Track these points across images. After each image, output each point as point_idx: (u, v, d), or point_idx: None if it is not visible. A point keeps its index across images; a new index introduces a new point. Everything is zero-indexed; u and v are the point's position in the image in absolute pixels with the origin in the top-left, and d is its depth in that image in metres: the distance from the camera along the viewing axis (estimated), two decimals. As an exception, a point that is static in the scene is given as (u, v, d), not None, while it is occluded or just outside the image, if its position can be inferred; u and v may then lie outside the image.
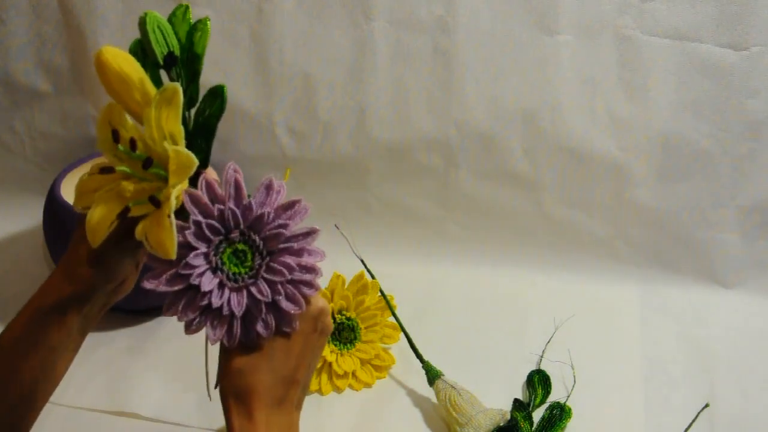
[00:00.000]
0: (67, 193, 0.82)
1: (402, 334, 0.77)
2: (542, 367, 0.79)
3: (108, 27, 0.92)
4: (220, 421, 0.71)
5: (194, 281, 0.48)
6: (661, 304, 0.89)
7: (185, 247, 0.48)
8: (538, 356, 0.81)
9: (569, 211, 0.93)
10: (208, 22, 0.51)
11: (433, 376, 0.73)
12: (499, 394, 0.74)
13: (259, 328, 0.49)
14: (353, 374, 0.77)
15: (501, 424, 0.69)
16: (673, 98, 0.85)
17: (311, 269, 0.49)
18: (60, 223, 0.79)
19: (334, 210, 0.97)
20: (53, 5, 0.93)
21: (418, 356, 0.75)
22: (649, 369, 0.79)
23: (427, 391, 0.75)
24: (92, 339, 0.82)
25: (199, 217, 0.48)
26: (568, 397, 0.75)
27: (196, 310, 0.48)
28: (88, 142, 1.00)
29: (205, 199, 0.48)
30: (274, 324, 0.49)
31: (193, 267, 0.48)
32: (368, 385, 0.77)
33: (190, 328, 0.49)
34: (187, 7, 0.52)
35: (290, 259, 0.49)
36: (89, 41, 0.92)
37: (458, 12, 0.86)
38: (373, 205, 0.97)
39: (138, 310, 0.85)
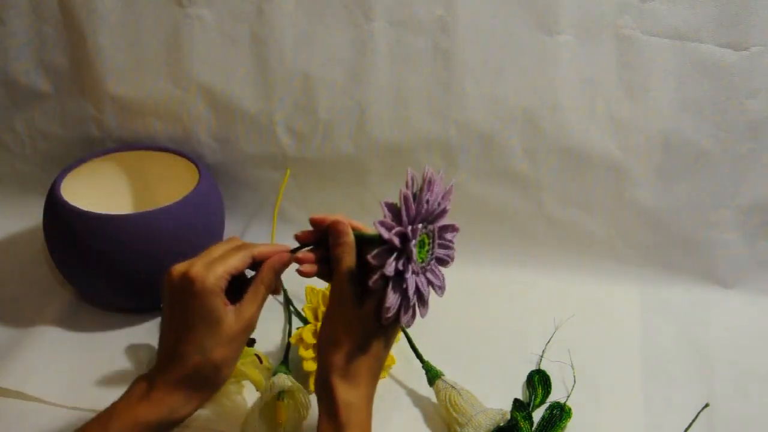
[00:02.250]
0: (67, 193, 0.82)
1: (402, 334, 0.77)
2: (542, 367, 0.79)
3: (108, 27, 0.92)
4: (221, 422, 0.71)
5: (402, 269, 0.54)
6: (661, 304, 0.89)
7: (402, 239, 0.54)
8: (538, 356, 0.81)
9: (569, 211, 0.93)
10: None
11: (433, 376, 0.73)
12: (499, 394, 0.74)
13: (420, 310, 0.57)
14: (353, 374, 0.77)
15: (501, 424, 0.69)
16: (673, 98, 0.85)
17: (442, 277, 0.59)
18: (60, 223, 0.79)
19: (334, 210, 0.97)
20: (53, 5, 0.93)
21: (418, 356, 0.75)
22: (649, 369, 0.79)
23: (427, 391, 0.75)
24: (92, 339, 0.82)
25: (414, 212, 0.55)
26: (568, 397, 0.75)
27: (399, 295, 0.54)
28: (88, 142, 1.00)
29: (426, 197, 0.55)
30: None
31: (411, 253, 0.54)
32: (368, 385, 0.77)
33: (399, 314, 0.55)
34: None
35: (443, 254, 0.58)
36: (89, 41, 0.92)
37: (458, 12, 0.86)
38: (373, 205, 0.96)
39: (138, 309, 0.85)
